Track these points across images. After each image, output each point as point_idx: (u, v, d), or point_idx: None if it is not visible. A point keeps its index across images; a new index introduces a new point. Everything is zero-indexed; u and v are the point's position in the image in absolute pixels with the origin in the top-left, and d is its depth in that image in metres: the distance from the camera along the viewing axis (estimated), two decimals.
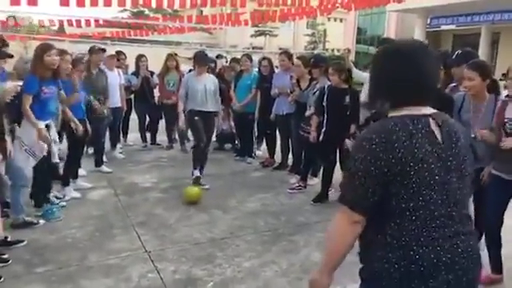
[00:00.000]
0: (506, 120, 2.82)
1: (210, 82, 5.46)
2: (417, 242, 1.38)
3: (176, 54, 7.52)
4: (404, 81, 1.44)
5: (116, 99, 6.30)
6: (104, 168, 5.86)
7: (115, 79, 6.29)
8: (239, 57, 7.22)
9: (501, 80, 8.78)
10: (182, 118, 5.47)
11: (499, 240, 3.05)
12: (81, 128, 4.58)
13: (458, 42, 23.92)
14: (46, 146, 3.94)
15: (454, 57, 3.59)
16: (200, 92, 5.33)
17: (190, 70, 6.75)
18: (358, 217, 1.43)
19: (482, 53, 20.05)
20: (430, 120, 1.42)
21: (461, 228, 1.43)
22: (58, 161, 4.22)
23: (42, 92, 3.86)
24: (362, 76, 5.16)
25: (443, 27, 24.08)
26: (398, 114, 1.44)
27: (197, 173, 5.38)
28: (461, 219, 1.44)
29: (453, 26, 23.50)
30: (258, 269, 3.32)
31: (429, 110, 1.45)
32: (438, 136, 1.41)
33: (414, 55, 1.45)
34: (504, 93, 3.03)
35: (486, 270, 3.01)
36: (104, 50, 6.06)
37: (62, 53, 4.52)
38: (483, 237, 3.00)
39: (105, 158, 6.33)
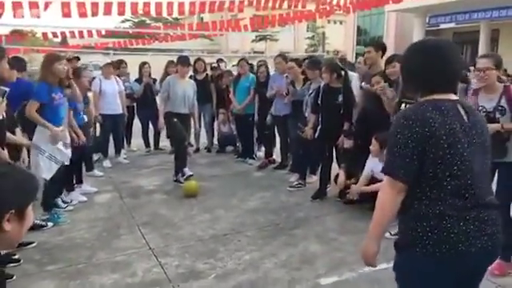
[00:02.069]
0: (479, 107, 2.97)
1: (189, 86, 5.79)
2: (450, 210, 1.56)
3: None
4: (433, 71, 1.65)
5: (115, 106, 6.45)
6: (96, 172, 5.99)
7: (112, 87, 6.44)
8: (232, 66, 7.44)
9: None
10: (161, 121, 5.73)
11: None
12: (83, 138, 4.82)
13: (457, 40, 23.98)
14: (65, 149, 4.13)
15: None
16: (180, 95, 5.61)
17: (191, 77, 6.94)
18: (399, 185, 1.61)
19: (482, 49, 20.12)
20: (458, 104, 1.64)
21: (487, 199, 1.63)
22: (68, 163, 4.39)
23: (54, 99, 4.07)
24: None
25: (442, 25, 24.16)
26: (430, 98, 1.64)
27: (188, 172, 5.73)
28: (487, 190, 1.66)
29: (452, 24, 23.58)
30: (259, 261, 3.46)
31: (455, 97, 1.68)
32: (465, 117, 1.62)
33: (441, 50, 1.67)
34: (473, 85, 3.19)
35: None
36: (79, 59, 6.30)
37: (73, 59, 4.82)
38: None
39: (109, 164, 6.54)
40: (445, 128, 1.56)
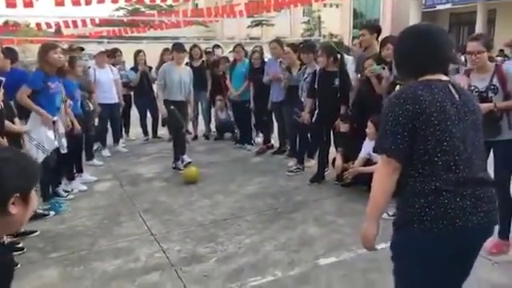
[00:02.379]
0: (472, 88, 3.00)
1: (185, 73, 5.80)
2: (446, 185, 1.59)
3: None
4: (425, 54, 1.71)
5: (111, 95, 6.40)
6: (95, 161, 6.02)
7: (107, 76, 6.37)
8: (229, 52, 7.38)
9: (497, 56, 8.85)
10: (162, 108, 5.71)
11: None
12: (79, 128, 4.81)
13: (454, 21, 23.88)
14: (54, 139, 4.15)
15: None
16: (176, 82, 5.63)
17: (187, 64, 6.93)
18: (394, 163, 1.65)
19: (479, 30, 20.03)
20: (449, 84, 1.69)
21: (482, 175, 1.68)
22: (65, 151, 4.41)
23: (49, 88, 4.12)
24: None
25: (439, 7, 23.98)
26: (422, 79, 1.69)
27: (187, 159, 5.79)
28: (480, 166, 1.69)
29: (448, 5, 23.40)
30: (258, 244, 3.52)
31: (446, 78, 1.72)
32: (456, 96, 1.67)
33: (433, 34, 1.74)
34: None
35: None
36: (83, 49, 6.25)
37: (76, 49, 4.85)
38: None
39: (108, 153, 6.58)
40: (435, 105, 1.60)
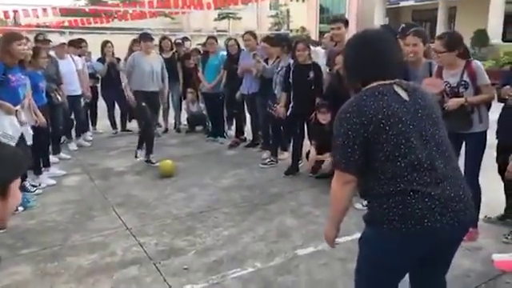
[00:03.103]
0: (445, 83, 3.11)
1: (156, 61, 5.69)
2: (411, 185, 1.58)
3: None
4: (370, 62, 1.72)
5: (74, 87, 6.08)
6: (62, 155, 5.83)
7: (69, 67, 6.03)
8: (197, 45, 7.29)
9: None
10: (131, 95, 5.63)
11: None
12: (43, 120, 4.55)
13: (417, 18, 24.55)
14: (18, 125, 3.96)
15: (399, 30, 3.84)
16: (147, 72, 5.50)
17: None
18: (348, 176, 1.68)
19: (440, 27, 20.72)
20: (394, 86, 1.67)
21: (449, 172, 1.65)
22: (31, 143, 4.21)
23: (11, 81, 3.89)
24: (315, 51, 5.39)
25: (402, 3, 24.61)
26: (368, 87, 1.70)
27: (141, 154, 5.70)
28: (447, 161, 1.66)
29: (411, 2, 24.06)
30: (237, 236, 3.52)
31: (390, 80, 1.70)
32: (403, 95, 1.66)
33: (377, 41, 1.75)
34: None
35: None
36: (50, 41, 5.99)
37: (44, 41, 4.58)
38: None
39: (75, 146, 6.37)
40: (381, 112, 1.60)
